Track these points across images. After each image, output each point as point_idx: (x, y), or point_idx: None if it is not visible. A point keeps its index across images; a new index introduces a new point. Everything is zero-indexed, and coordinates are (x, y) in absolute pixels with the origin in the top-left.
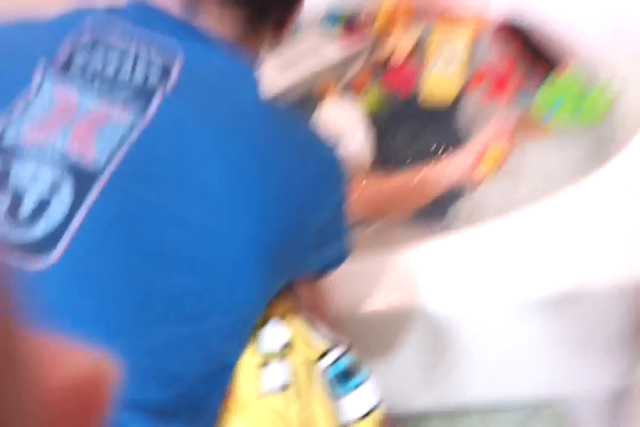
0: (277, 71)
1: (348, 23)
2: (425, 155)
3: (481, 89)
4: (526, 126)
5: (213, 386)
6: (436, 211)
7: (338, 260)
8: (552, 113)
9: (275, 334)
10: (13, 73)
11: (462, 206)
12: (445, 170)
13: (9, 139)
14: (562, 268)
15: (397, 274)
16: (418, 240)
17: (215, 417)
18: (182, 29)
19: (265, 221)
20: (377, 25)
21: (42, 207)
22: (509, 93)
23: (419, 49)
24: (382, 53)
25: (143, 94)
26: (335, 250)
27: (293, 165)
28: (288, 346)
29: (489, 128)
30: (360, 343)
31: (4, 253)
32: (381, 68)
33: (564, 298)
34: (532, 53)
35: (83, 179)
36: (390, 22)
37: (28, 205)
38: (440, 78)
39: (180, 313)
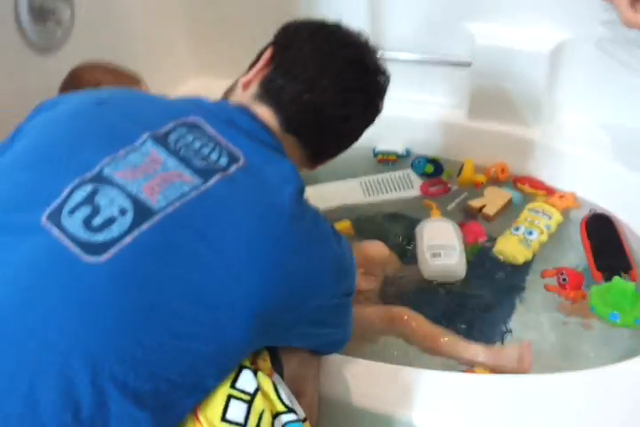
0: (361, 192)
1: (436, 170)
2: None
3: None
4: (584, 313)
5: (184, 397)
6: None
7: (330, 345)
8: (612, 319)
9: (247, 379)
10: (128, 130)
11: None
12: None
13: (106, 172)
14: None
15: (400, 386)
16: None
17: (179, 420)
18: (261, 139)
19: (267, 290)
20: (461, 178)
21: (109, 222)
22: (577, 294)
23: (509, 208)
24: (476, 203)
25: (211, 170)
26: (328, 336)
27: (302, 258)
28: (256, 393)
29: (517, 350)
30: None
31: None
32: (470, 214)
33: None
34: (593, 255)
35: (143, 213)
36: (474, 177)
37: (101, 218)
38: (516, 242)
39: (175, 329)
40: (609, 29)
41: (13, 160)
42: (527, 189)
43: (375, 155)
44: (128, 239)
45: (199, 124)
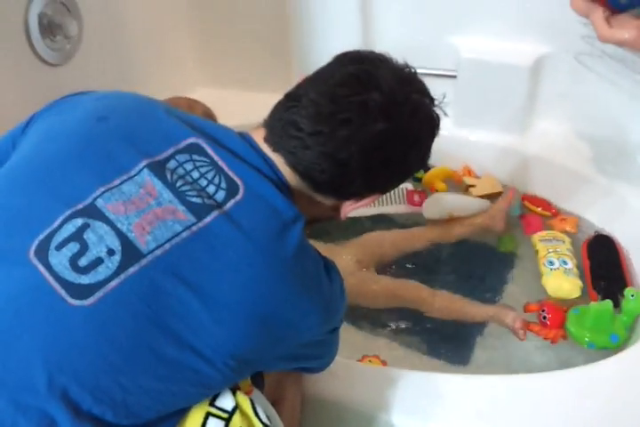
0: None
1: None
2: None
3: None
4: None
5: (165, 422)
6: (461, 353)
7: (311, 370)
8: (613, 342)
9: (226, 398)
10: (125, 156)
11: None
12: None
13: (99, 204)
14: None
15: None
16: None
17: None
18: (259, 168)
19: (248, 336)
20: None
21: (96, 264)
22: (557, 334)
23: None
24: (468, 181)
25: (207, 205)
26: (309, 364)
27: (289, 307)
28: (234, 411)
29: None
30: None
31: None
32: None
33: None
34: (591, 275)
35: (131, 255)
36: (434, 182)
37: (87, 258)
38: (563, 276)
39: (157, 373)
40: (587, 43)
41: (7, 175)
42: (537, 210)
43: None
44: (114, 283)
45: (200, 146)
